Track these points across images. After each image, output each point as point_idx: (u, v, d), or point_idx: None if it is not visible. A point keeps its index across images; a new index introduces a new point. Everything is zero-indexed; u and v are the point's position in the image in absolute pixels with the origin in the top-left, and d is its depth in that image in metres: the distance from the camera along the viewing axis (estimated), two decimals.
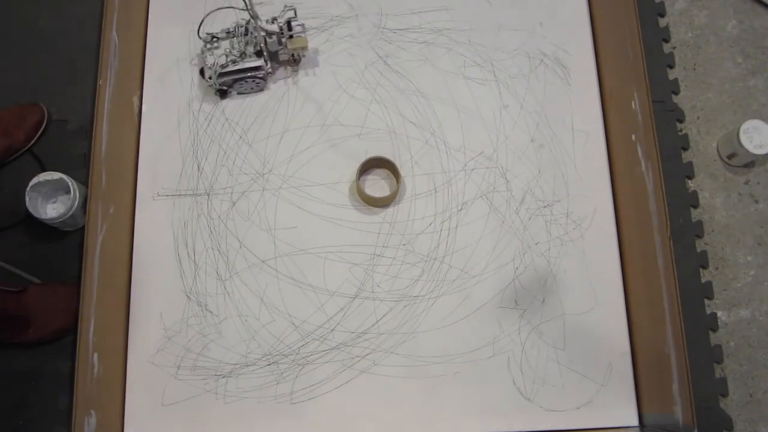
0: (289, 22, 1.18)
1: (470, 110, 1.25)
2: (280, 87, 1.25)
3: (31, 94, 1.24)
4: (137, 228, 1.17)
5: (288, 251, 1.16)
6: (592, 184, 1.21)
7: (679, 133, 1.26)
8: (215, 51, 1.20)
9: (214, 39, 1.20)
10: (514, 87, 1.26)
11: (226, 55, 1.18)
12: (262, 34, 1.17)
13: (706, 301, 1.17)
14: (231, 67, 1.18)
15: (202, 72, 1.23)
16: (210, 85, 1.22)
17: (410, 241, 1.17)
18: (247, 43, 1.19)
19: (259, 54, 1.18)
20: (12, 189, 1.17)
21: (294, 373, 1.10)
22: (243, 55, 1.18)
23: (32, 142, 1.21)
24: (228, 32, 1.21)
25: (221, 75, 1.18)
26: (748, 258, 1.20)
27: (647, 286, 1.10)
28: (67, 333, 1.12)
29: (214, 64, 1.19)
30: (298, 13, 1.19)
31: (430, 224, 1.18)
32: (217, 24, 1.25)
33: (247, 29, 1.20)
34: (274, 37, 1.19)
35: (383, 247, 1.17)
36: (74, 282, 1.11)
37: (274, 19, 1.18)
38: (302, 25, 1.19)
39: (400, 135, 1.23)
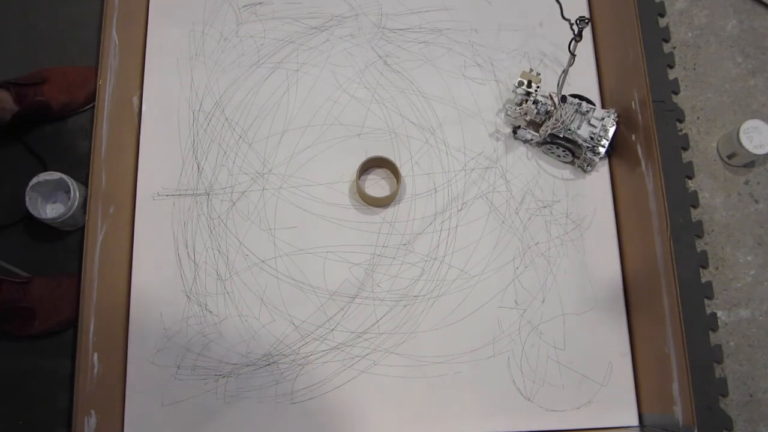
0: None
1: (470, 110, 1.25)
2: (280, 87, 1.25)
3: None
4: (137, 228, 1.17)
5: (288, 251, 1.16)
6: (592, 184, 1.21)
7: (679, 133, 1.26)
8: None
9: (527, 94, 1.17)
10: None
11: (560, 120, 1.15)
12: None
13: (706, 301, 1.17)
14: (564, 134, 1.15)
15: (514, 131, 1.22)
16: (524, 140, 1.21)
17: (410, 241, 1.17)
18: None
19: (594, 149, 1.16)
20: (12, 189, 1.17)
21: (294, 373, 1.10)
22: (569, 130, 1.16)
23: (90, 105, 1.22)
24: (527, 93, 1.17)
25: (552, 136, 1.16)
26: (748, 258, 1.20)
27: (647, 286, 1.10)
28: (72, 325, 1.12)
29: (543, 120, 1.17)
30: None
31: (430, 224, 1.18)
32: (219, 23, 1.25)
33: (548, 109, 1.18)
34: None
35: (383, 247, 1.17)
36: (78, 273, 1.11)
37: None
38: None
39: (400, 135, 1.23)
